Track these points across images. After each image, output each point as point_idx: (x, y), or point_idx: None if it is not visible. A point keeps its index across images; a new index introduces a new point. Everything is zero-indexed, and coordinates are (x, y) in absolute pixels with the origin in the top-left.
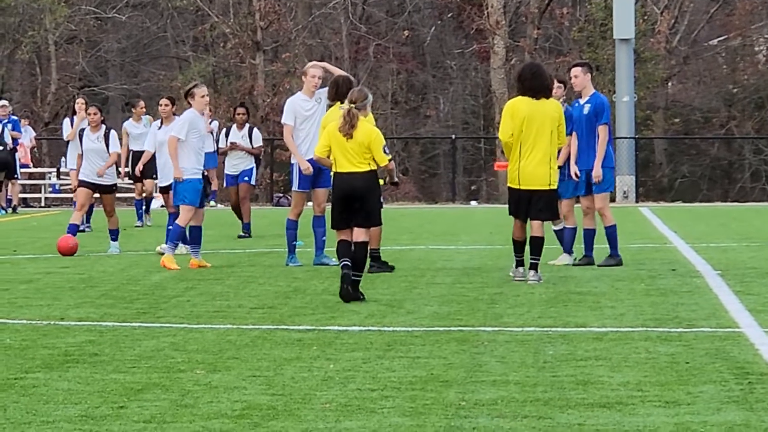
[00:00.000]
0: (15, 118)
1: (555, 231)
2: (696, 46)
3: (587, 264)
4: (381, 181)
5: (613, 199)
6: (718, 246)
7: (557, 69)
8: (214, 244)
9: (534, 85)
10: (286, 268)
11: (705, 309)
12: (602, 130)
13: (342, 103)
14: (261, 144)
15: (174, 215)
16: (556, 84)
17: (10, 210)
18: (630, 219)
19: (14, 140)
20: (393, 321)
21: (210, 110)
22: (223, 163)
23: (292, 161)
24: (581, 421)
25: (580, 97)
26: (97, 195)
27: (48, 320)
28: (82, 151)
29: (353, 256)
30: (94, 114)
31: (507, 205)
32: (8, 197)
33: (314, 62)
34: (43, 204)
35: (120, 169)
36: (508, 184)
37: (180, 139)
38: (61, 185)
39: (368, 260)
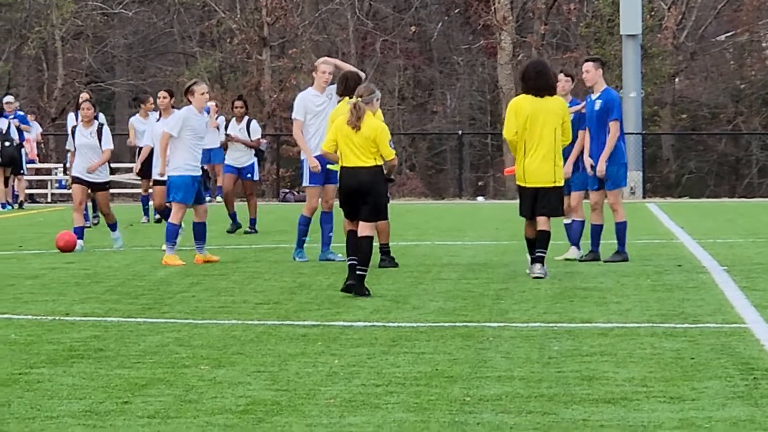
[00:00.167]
0: (22, 113)
1: (565, 225)
2: (703, 41)
3: (593, 260)
4: None
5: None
6: (724, 242)
7: (564, 64)
8: (219, 240)
9: (538, 83)
10: (292, 264)
11: (711, 305)
12: (613, 126)
13: (350, 98)
14: (259, 137)
15: (157, 210)
16: (564, 78)
17: (16, 205)
18: (637, 215)
19: (20, 135)
20: (398, 316)
21: (216, 105)
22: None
23: (302, 157)
24: (586, 417)
25: (592, 93)
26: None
27: (53, 316)
28: (75, 147)
29: (358, 250)
30: (88, 109)
31: (515, 201)
32: (14, 193)
33: (325, 58)
34: (49, 200)
35: (113, 165)
36: (516, 182)
37: (172, 136)
38: (68, 181)
39: (379, 254)
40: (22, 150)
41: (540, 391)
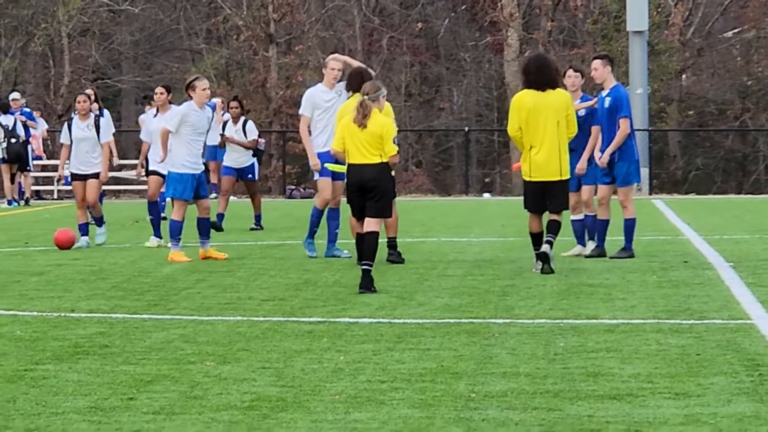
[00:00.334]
0: (28, 110)
1: (573, 221)
2: (710, 38)
3: (599, 255)
4: None
5: None
6: (731, 238)
7: (571, 61)
8: (225, 237)
9: (539, 78)
10: (298, 261)
11: (716, 301)
12: (623, 123)
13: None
14: (255, 137)
15: (150, 200)
16: (573, 73)
17: (22, 202)
18: (643, 211)
19: (27, 132)
20: (404, 313)
21: (222, 102)
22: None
23: (316, 150)
24: (591, 413)
25: (603, 90)
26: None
27: (58, 312)
28: (71, 140)
29: (364, 247)
30: (84, 102)
31: (521, 198)
32: (21, 189)
33: (335, 54)
34: (55, 196)
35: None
36: (523, 177)
37: (171, 132)
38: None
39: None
40: (29, 146)
41: (545, 387)
